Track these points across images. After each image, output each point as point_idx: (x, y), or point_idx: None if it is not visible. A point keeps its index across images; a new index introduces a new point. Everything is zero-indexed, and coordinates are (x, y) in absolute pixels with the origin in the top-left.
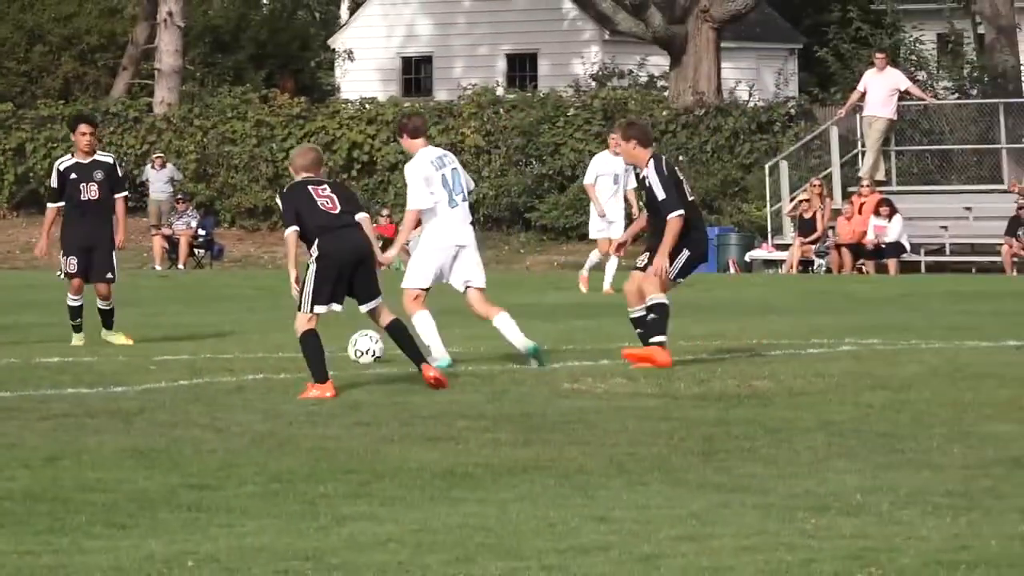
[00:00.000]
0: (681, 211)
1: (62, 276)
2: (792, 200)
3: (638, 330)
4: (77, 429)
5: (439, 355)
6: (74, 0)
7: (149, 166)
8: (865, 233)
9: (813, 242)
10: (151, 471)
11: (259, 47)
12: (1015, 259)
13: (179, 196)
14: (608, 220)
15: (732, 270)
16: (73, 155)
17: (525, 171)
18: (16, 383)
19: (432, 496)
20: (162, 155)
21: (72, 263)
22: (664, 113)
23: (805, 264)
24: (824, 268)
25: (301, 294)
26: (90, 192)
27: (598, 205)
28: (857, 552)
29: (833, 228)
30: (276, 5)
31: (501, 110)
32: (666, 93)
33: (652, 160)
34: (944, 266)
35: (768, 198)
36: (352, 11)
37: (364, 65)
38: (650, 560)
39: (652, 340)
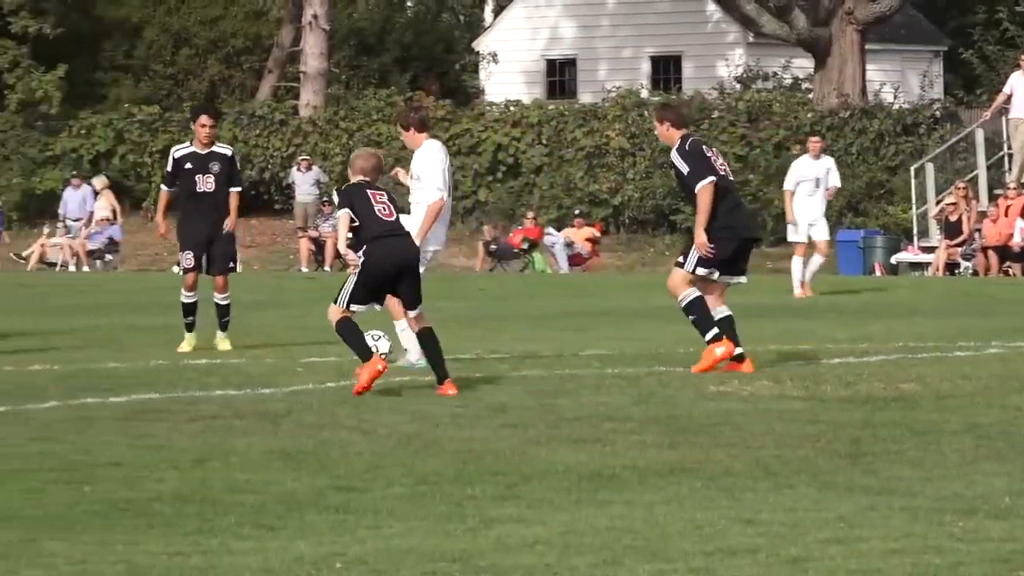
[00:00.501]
0: (710, 178)
1: (179, 271)
2: (938, 203)
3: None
4: (225, 431)
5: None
6: (220, 3)
7: (295, 168)
8: (1011, 236)
9: (959, 245)
10: (299, 473)
11: (404, 50)
12: None
13: (325, 198)
14: (808, 222)
15: (878, 272)
16: (191, 144)
17: (670, 174)
18: (165, 385)
19: (579, 498)
20: (308, 158)
21: (188, 258)
22: (809, 115)
23: (951, 267)
24: (970, 271)
25: (340, 289)
26: (206, 184)
27: (790, 213)
28: (1006, 555)
29: (979, 231)
30: (420, 8)
31: (645, 112)
32: (811, 95)
33: (679, 140)
34: None
35: (914, 200)
36: (496, 14)
37: (508, 68)
38: (797, 563)
39: (705, 339)
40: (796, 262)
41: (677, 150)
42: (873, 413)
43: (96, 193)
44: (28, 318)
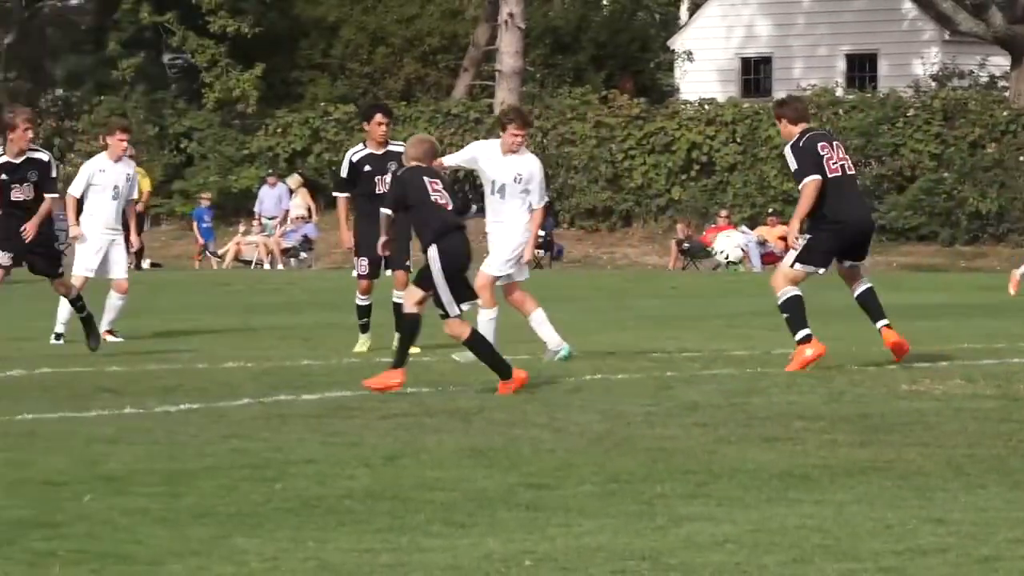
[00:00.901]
0: (814, 176)
1: (356, 275)
2: None
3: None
4: (417, 428)
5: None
6: (417, 2)
7: None
8: None
9: None
10: (490, 470)
11: (599, 48)
12: None
13: None
14: None
15: None
16: (366, 145)
17: (864, 172)
18: (357, 383)
19: (769, 497)
20: None
21: (363, 265)
22: (1004, 113)
23: None
24: None
25: (441, 299)
26: (385, 185)
27: None
28: None
29: None
30: (616, 6)
31: (840, 111)
32: (1007, 93)
33: (796, 136)
34: None
35: None
36: (692, 12)
37: (703, 66)
38: (988, 562)
39: (796, 339)
40: None
41: (791, 146)
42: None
43: (291, 191)
44: (223, 316)
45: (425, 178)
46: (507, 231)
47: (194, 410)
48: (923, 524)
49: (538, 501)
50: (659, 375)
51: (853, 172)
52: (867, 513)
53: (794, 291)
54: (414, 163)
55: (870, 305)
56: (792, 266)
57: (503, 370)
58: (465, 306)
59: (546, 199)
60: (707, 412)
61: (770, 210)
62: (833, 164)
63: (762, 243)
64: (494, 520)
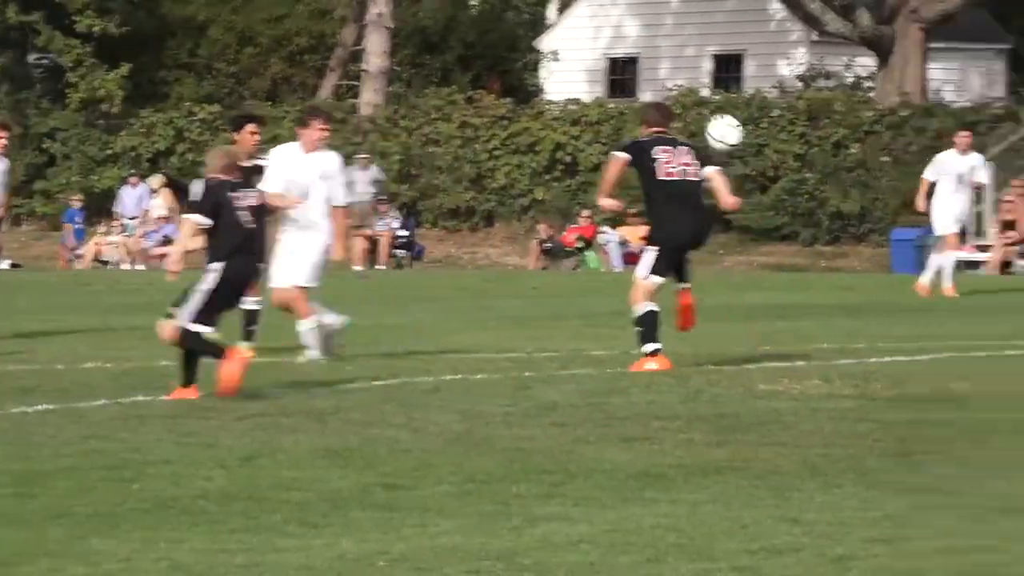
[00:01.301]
0: (616, 154)
1: None
2: (998, 201)
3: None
4: (273, 428)
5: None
6: (286, 1)
7: (354, 167)
8: None
9: (1014, 243)
10: (345, 470)
11: (467, 48)
12: None
13: (381, 198)
14: (955, 217)
15: None
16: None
17: (727, 171)
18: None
19: (625, 497)
20: (366, 156)
21: None
22: (869, 114)
23: (1005, 265)
24: None
25: (188, 304)
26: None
27: (921, 202)
28: None
29: None
30: (485, 6)
31: (706, 111)
32: (872, 94)
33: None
34: None
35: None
36: (560, 12)
37: (571, 66)
38: (842, 561)
39: (643, 351)
40: (944, 257)
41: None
42: (922, 412)
43: (153, 191)
44: (83, 316)
45: (230, 193)
46: (309, 236)
47: (52, 411)
48: (778, 523)
49: (394, 501)
50: (518, 375)
51: (696, 180)
52: (722, 513)
53: (650, 306)
54: (218, 175)
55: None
56: (645, 279)
57: (189, 376)
58: (202, 328)
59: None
60: (565, 412)
61: (632, 210)
62: (670, 168)
63: (623, 243)
64: (348, 520)
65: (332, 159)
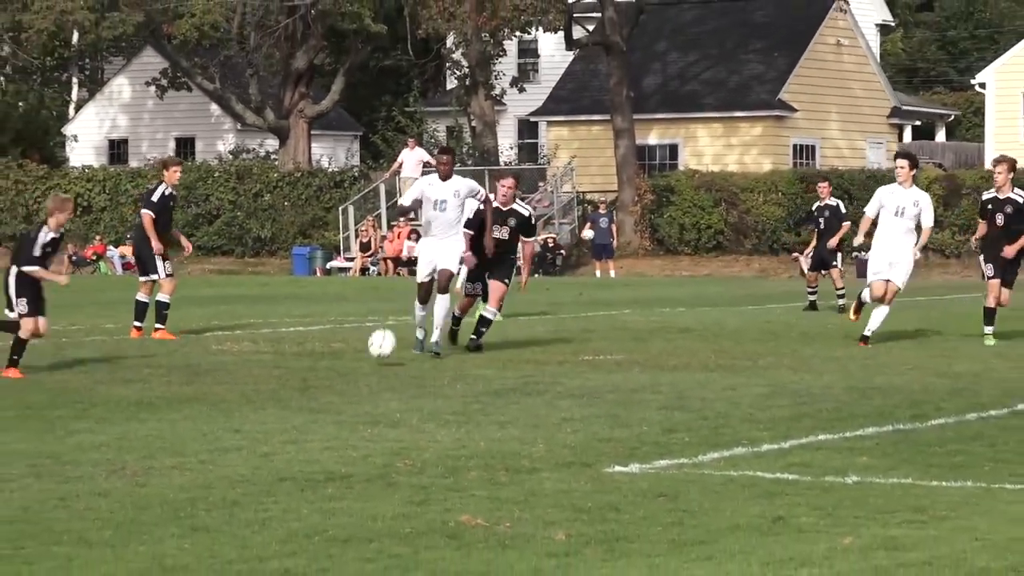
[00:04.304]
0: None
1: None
2: (358, 230)
3: None
4: None
5: None
6: None
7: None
8: (402, 250)
9: (370, 256)
10: None
11: (17, 133)
12: None
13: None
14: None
15: (319, 274)
16: None
17: (185, 211)
18: None
19: (128, 417)
20: None
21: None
22: (275, 175)
23: (364, 270)
24: (376, 272)
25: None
26: None
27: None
28: (398, 449)
29: (382, 247)
30: (27, 106)
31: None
32: (277, 162)
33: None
34: None
35: (341, 228)
36: (77, 108)
37: (85, 145)
38: (267, 456)
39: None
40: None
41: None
42: (315, 361)
43: None
44: None
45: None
46: None
47: None
48: (226, 433)
49: None
50: (58, 340)
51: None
52: (191, 427)
53: (140, 296)
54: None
55: None
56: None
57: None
58: None
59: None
60: (90, 364)
61: (128, 236)
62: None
63: (123, 257)
64: None
65: None
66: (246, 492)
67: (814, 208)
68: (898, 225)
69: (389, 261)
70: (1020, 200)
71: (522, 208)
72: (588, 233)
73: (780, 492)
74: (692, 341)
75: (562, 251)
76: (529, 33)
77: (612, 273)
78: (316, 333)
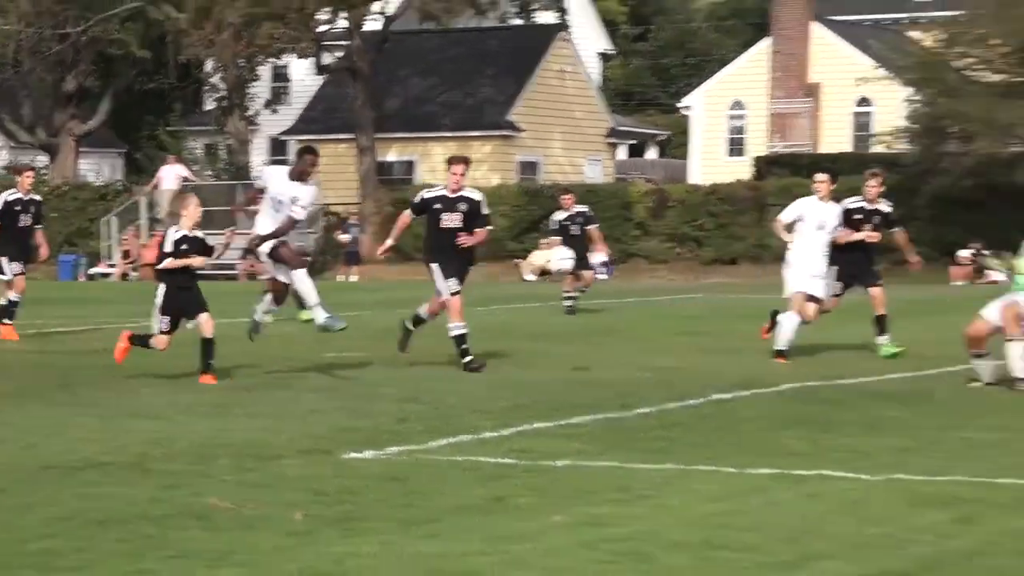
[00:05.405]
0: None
1: None
2: (123, 240)
3: None
4: None
5: None
6: None
7: None
8: (159, 257)
9: (131, 262)
10: None
11: None
12: None
13: None
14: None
15: (82, 279)
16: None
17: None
18: None
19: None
20: None
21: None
22: (46, 189)
23: (124, 275)
24: (137, 277)
25: None
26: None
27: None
28: (154, 439)
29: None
30: None
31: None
32: (46, 177)
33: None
34: None
35: (102, 237)
36: None
37: None
38: (32, 448)
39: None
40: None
41: None
42: (78, 359)
43: None
44: None
45: None
46: None
47: None
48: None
49: None
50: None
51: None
52: None
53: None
54: None
55: None
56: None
57: None
58: None
59: None
60: None
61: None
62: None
63: None
64: None
65: None
66: (12, 480)
67: (563, 218)
68: (819, 239)
69: (149, 267)
70: (887, 210)
71: (473, 193)
72: (345, 236)
73: (501, 475)
74: (428, 340)
75: (309, 257)
76: (281, 59)
77: (355, 278)
78: (80, 333)
